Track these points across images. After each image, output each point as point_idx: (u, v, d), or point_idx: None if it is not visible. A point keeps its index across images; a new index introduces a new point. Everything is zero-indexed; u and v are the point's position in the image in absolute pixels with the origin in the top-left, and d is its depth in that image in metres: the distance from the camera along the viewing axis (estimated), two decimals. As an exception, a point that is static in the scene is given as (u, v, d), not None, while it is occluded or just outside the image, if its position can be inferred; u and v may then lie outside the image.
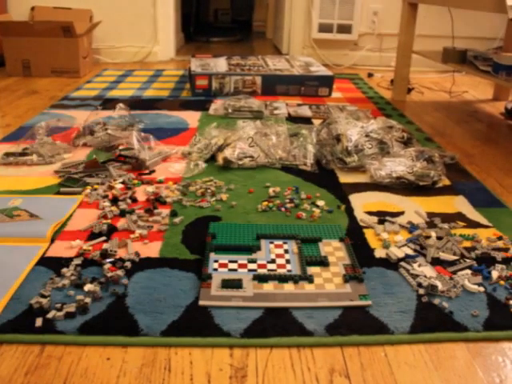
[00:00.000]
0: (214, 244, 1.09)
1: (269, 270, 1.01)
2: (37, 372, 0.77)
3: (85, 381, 0.76)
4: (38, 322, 0.86)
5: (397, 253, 1.08)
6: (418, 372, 0.79)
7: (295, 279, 0.98)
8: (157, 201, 1.30)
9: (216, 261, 1.04)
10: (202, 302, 0.91)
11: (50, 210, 1.23)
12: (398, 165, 1.47)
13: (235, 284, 0.95)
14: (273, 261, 1.05)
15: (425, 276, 1.00)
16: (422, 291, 0.95)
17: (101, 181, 1.41)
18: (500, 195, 1.42)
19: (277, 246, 1.11)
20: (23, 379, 0.76)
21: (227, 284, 0.95)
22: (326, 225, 1.21)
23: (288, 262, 1.05)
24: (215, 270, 1.01)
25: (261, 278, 0.98)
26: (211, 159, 1.59)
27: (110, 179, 1.42)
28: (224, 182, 1.44)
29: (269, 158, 1.57)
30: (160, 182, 1.43)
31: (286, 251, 1.09)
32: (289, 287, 0.97)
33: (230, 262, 1.04)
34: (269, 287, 0.96)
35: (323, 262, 1.04)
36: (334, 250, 1.10)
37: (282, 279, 0.98)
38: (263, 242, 1.12)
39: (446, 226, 1.20)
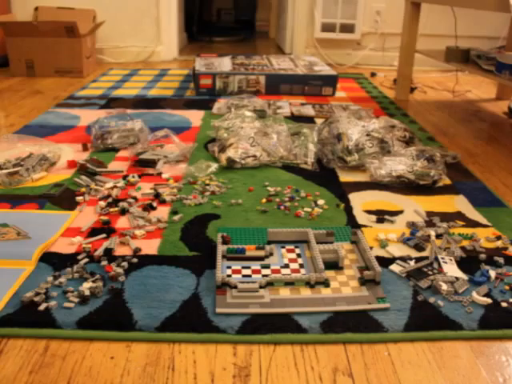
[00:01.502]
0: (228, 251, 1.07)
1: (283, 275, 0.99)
2: (41, 371, 0.78)
3: (89, 380, 0.76)
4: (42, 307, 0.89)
5: (394, 252, 1.08)
6: (421, 371, 0.79)
7: (311, 284, 0.97)
8: (156, 198, 1.32)
9: (229, 267, 1.03)
10: (219, 310, 0.89)
11: (40, 227, 1.16)
12: (398, 164, 1.47)
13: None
14: (286, 266, 1.04)
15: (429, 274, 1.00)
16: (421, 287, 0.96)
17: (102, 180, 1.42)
18: (503, 195, 1.42)
19: (289, 251, 1.09)
20: (27, 378, 0.76)
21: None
22: (334, 227, 1.20)
23: (302, 266, 1.04)
24: (229, 276, 0.99)
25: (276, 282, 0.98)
26: (214, 159, 1.60)
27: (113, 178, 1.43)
28: (225, 181, 1.45)
29: (271, 156, 1.57)
30: (168, 180, 1.45)
31: (299, 255, 1.08)
32: (305, 292, 0.96)
33: (244, 267, 1.03)
34: (285, 292, 0.95)
35: (337, 266, 1.03)
36: (347, 252, 1.09)
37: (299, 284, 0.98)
38: (274, 247, 1.10)
39: (444, 225, 1.20)
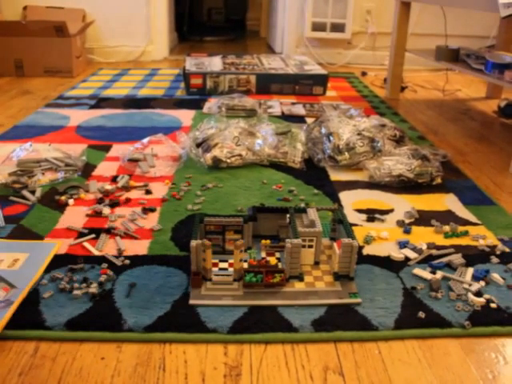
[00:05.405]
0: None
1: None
2: (31, 372, 0.77)
3: (79, 380, 0.76)
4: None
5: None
6: (411, 369, 0.79)
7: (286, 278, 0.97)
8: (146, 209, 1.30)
9: None
10: (192, 301, 0.91)
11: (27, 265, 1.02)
12: (396, 163, 1.47)
13: None
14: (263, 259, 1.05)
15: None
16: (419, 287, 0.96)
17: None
18: (493, 193, 1.43)
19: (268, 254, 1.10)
20: (17, 380, 0.76)
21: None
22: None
23: (279, 260, 1.05)
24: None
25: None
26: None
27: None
28: (214, 181, 1.45)
29: (257, 155, 1.57)
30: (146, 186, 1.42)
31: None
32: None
33: (221, 261, 1.04)
34: (258, 286, 0.96)
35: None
36: (325, 248, 1.10)
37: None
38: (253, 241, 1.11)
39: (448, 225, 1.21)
